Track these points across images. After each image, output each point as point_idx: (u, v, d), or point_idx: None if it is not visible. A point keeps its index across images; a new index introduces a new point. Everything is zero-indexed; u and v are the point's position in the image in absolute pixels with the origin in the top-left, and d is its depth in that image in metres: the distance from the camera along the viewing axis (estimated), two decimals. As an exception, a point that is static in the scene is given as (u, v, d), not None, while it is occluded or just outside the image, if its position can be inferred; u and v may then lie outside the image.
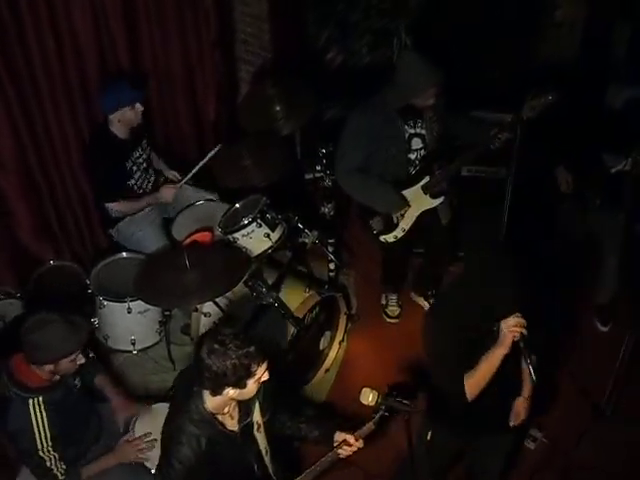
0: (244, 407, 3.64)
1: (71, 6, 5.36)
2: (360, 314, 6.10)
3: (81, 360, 4.06)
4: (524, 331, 3.61)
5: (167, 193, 5.78)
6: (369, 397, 3.62)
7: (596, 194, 5.45)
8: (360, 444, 3.75)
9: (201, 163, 5.75)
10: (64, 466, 4.09)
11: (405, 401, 3.68)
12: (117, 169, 5.56)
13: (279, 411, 3.92)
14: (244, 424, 3.63)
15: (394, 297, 6.19)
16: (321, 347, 5.66)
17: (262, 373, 3.40)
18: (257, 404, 3.66)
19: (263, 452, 3.80)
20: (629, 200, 5.28)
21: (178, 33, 6.22)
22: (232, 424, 3.60)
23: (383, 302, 6.29)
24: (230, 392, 3.37)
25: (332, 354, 5.77)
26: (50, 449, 4.01)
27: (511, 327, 3.60)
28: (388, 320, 6.22)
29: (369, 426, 3.72)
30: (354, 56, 6.83)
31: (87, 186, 5.97)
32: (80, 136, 5.80)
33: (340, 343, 5.77)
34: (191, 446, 3.44)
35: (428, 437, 4.20)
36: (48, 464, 4.04)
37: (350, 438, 3.72)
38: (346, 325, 5.75)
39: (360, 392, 3.66)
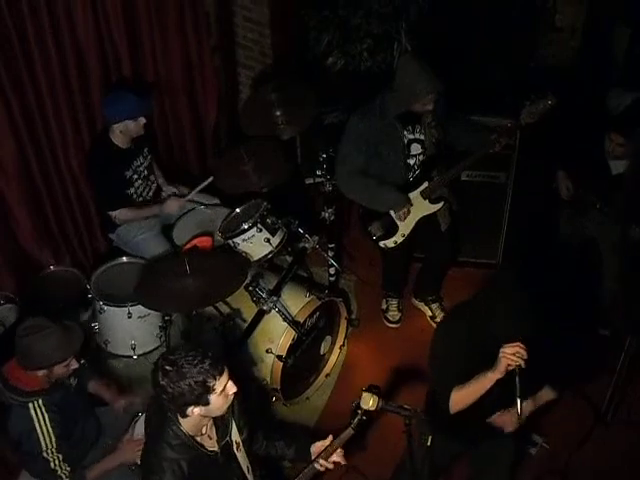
0: (221, 426, 3.60)
1: (73, 13, 5.36)
2: (360, 319, 6.10)
3: (74, 365, 4.05)
4: (522, 363, 3.60)
5: (172, 206, 5.77)
6: (370, 402, 3.61)
7: (598, 198, 5.44)
8: (339, 455, 3.75)
9: (199, 187, 5.78)
10: (68, 467, 4.09)
11: (406, 406, 3.67)
12: (117, 177, 5.55)
13: (254, 430, 3.88)
14: (223, 444, 3.59)
15: (394, 302, 6.18)
16: (322, 352, 5.66)
17: (224, 385, 3.32)
18: (233, 423, 3.63)
19: (245, 470, 3.76)
20: (624, 202, 5.29)
21: (179, 38, 6.23)
22: (211, 444, 3.55)
23: (383, 307, 6.28)
24: (195, 410, 3.29)
25: (333, 359, 5.77)
26: (54, 450, 4.01)
27: (508, 354, 3.60)
28: (389, 325, 6.22)
29: (348, 432, 3.70)
30: (354, 61, 6.81)
31: (87, 191, 5.97)
32: (81, 142, 5.80)
33: (341, 348, 5.77)
34: (174, 472, 3.37)
35: (429, 442, 4.19)
36: (52, 465, 4.04)
37: (327, 443, 3.72)
38: (347, 330, 5.75)
39: (360, 397, 3.65)
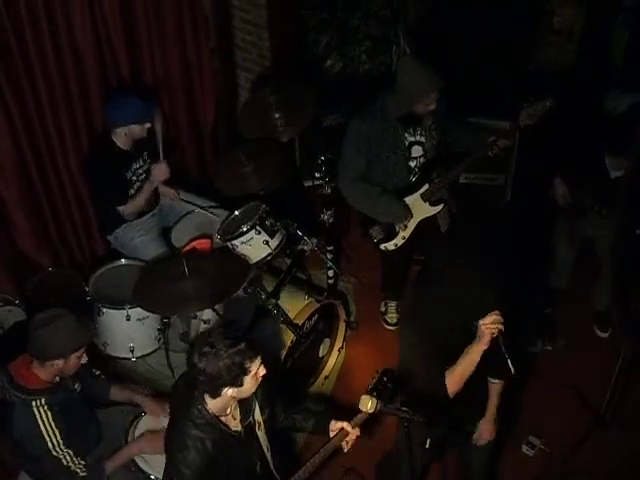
0: (245, 407, 3.67)
1: (71, 15, 5.36)
2: (359, 321, 6.10)
3: (85, 359, 4.07)
4: (501, 327, 3.69)
5: (159, 171, 5.72)
6: (368, 404, 3.61)
7: (596, 200, 5.44)
8: (357, 432, 3.75)
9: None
10: (82, 462, 4.10)
11: (404, 408, 3.68)
12: (117, 179, 5.55)
13: (276, 402, 3.94)
14: (246, 424, 3.66)
15: (393, 304, 6.19)
16: (320, 354, 5.66)
17: (257, 368, 3.44)
18: (256, 403, 3.69)
19: (264, 449, 3.83)
20: (624, 204, 5.29)
21: (177, 40, 6.23)
22: (235, 425, 3.63)
23: (382, 309, 6.29)
24: (229, 392, 3.40)
25: (331, 361, 5.77)
26: (63, 447, 4.01)
27: (489, 325, 3.68)
28: (387, 327, 6.22)
29: (363, 414, 3.72)
30: (353, 63, 6.83)
31: (86, 193, 5.96)
32: (79, 143, 5.80)
33: (339, 350, 5.78)
34: (197, 450, 3.47)
35: (427, 444, 4.19)
36: (64, 462, 4.04)
37: (347, 426, 3.73)
38: (345, 332, 5.75)
39: (359, 399, 3.65)
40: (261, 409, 3.75)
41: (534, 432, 5.38)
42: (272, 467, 3.92)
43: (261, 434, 3.78)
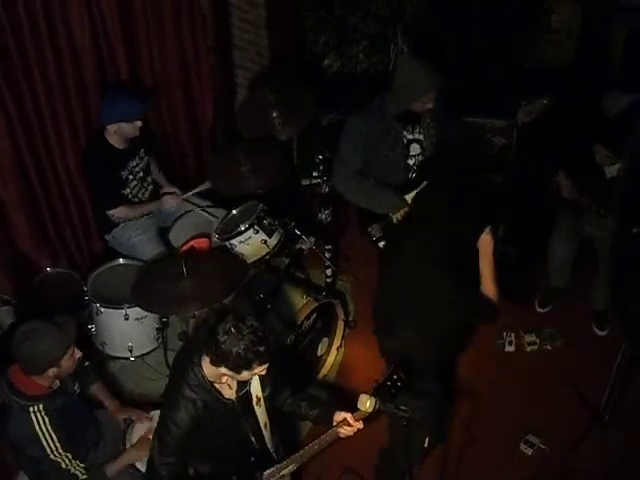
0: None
1: (68, 13, 5.35)
2: (358, 320, 6.09)
3: (79, 354, 4.07)
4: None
5: (170, 202, 5.78)
6: (367, 403, 3.60)
7: (593, 199, 5.44)
8: (360, 425, 3.73)
9: (199, 188, 5.79)
10: (82, 465, 4.10)
11: (402, 407, 3.67)
12: (112, 178, 5.54)
13: (281, 388, 3.96)
14: (241, 394, 3.68)
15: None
16: (319, 353, 5.66)
17: (260, 370, 3.48)
18: (257, 378, 3.70)
19: (262, 426, 3.85)
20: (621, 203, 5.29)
21: (175, 39, 6.22)
22: (229, 394, 3.66)
23: (381, 308, 6.28)
24: (223, 370, 3.44)
25: (330, 360, 5.77)
26: (61, 451, 4.01)
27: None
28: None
29: (372, 402, 3.70)
30: (351, 62, 6.83)
31: (84, 193, 5.96)
32: (78, 143, 5.79)
33: (338, 349, 5.77)
34: (187, 410, 3.53)
35: (426, 443, 4.19)
36: (64, 465, 4.04)
37: (350, 418, 3.71)
38: (344, 331, 5.75)
39: (358, 398, 3.65)
40: (262, 385, 3.77)
41: (533, 431, 5.37)
42: (270, 445, 3.94)
43: (260, 410, 3.81)
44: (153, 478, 3.69)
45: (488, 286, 4.30)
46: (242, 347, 3.32)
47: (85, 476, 4.12)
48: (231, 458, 3.85)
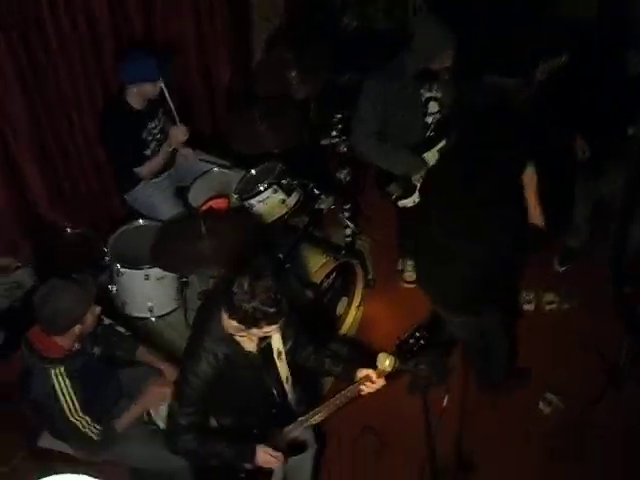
0: None
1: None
2: (377, 279, 6.11)
3: (98, 309, 4.07)
4: None
5: (177, 133, 5.67)
6: (386, 362, 3.63)
7: (613, 159, 5.40)
8: (381, 382, 3.75)
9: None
10: (98, 427, 4.12)
11: (422, 366, 3.68)
12: (132, 139, 5.53)
13: (303, 342, 4.00)
14: (262, 347, 3.71)
15: (411, 262, 6.18)
16: (338, 312, 5.67)
17: (269, 331, 3.50)
18: (278, 331, 3.70)
19: (283, 379, 3.89)
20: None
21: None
22: (250, 346, 3.69)
23: (400, 267, 6.30)
24: (234, 323, 3.47)
25: (349, 319, 5.79)
26: (80, 414, 4.02)
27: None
28: (405, 285, 6.24)
29: (392, 361, 3.72)
30: (369, 21, 6.77)
31: (101, 153, 5.96)
32: (94, 103, 5.79)
33: (357, 308, 5.79)
34: (208, 361, 3.58)
35: (445, 402, 4.21)
36: (81, 428, 4.06)
37: (372, 375, 3.73)
38: (363, 290, 5.76)
39: (377, 357, 3.66)
40: (283, 338, 3.80)
41: (551, 389, 5.39)
42: (291, 399, 3.99)
43: (281, 364, 3.84)
44: (174, 427, 3.74)
45: (536, 213, 4.56)
46: (252, 305, 3.34)
47: (99, 438, 4.15)
48: (253, 411, 3.89)
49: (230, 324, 3.51)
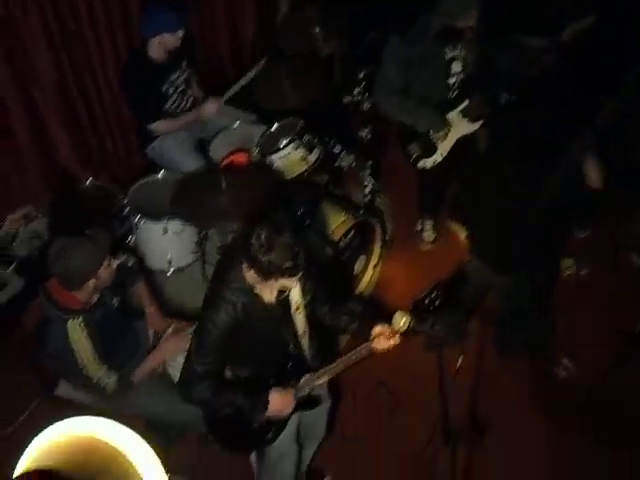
0: None
1: None
2: (395, 239, 6.10)
3: (115, 263, 4.10)
4: None
5: (211, 107, 5.74)
6: (401, 321, 3.62)
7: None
8: (396, 340, 3.75)
9: (243, 81, 5.70)
10: (114, 377, 4.16)
11: (437, 326, 3.68)
12: (152, 92, 5.53)
13: (321, 298, 4.00)
14: (281, 299, 3.72)
15: (430, 223, 6.17)
16: (355, 271, 5.68)
17: (285, 283, 3.52)
18: (297, 285, 3.73)
19: (300, 332, 3.91)
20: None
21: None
22: (269, 298, 3.69)
23: (419, 227, 6.28)
24: (252, 274, 3.48)
25: (366, 278, 5.79)
26: (96, 364, 4.07)
27: None
28: (423, 246, 6.23)
29: (407, 320, 3.73)
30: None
31: (124, 107, 5.97)
32: (118, 58, 5.80)
33: (374, 267, 5.79)
34: (227, 311, 3.58)
35: (459, 363, 4.22)
36: (97, 378, 4.10)
37: (387, 332, 3.73)
38: (381, 250, 5.75)
39: (393, 316, 3.67)
40: (303, 292, 3.82)
41: (567, 354, 5.38)
42: (307, 353, 4.00)
43: (299, 317, 3.86)
44: (189, 375, 3.76)
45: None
46: (269, 258, 3.35)
47: (115, 387, 4.19)
48: (269, 364, 3.91)
49: (249, 275, 3.52)
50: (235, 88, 5.71)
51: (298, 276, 3.48)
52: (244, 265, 3.52)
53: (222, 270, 3.72)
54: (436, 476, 4.66)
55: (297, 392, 3.93)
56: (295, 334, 3.89)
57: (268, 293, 3.66)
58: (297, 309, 3.82)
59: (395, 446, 4.97)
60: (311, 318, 3.95)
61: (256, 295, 3.63)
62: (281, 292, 3.69)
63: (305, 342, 3.96)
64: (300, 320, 3.87)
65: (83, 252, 3.91)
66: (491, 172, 4.43)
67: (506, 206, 4.38)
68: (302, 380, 3.93)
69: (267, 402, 3.80)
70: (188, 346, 3.87)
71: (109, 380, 4.14)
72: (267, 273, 3.41)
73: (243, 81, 5.63)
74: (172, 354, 4.41)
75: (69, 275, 3.91)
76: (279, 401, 3.84)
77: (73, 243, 3.91)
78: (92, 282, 3.98)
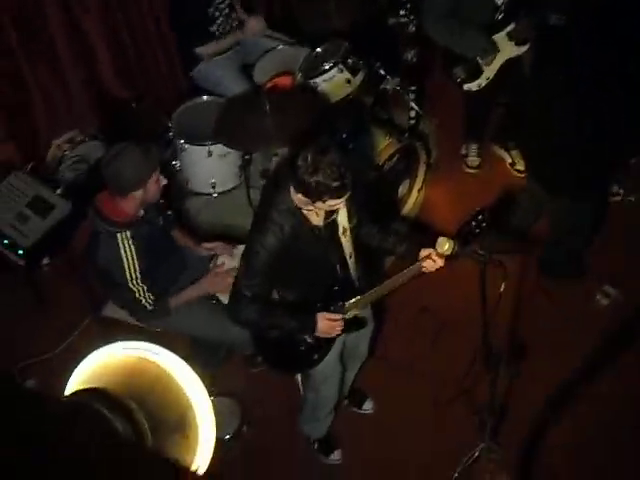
0: None
1: None
2: (439, 163, 6.07)
3: (164, 181, 4.15)
4: None
5: (254, 25, 5.68)
6: (445, 246, 3.62)
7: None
8: (442, 262, 3.74)
9: None
10: (152, 297, 4.23)
11: (480, 251, 3.67)
12: (199, 15, 5.49)
13: (368, 220, 4.01)
14: (327, 222, 3.73)
15: (475, 147, 6.13)
16: (400, 194, 5.66)
17: (335, 204, 3.49)
18: (344, 208, 3.74)
19: (347, 255, 3.91)
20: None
21: None
22: (316, 220, 3.70)
23: (463, 152, 6.24)
24: (300, 197, 3.49)
25: (410, 202, 5.78)
26: (139, 281, 4.13)
27: None
28: (467, 170, 6.20)
29: (451, 245, 3.72)
30: None
31: (168, 30, 5.94)
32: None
33: (418, 191, 5.77)
34: (275, 234, 3.60)
35: (502, 288, 4.21)
36: (137, 295, 4.18)
37: (433, 254, 3.71)
38: (425, 174, 5.73)
39: (436, 241, 3.67)
40: (350, 215, 3.82)
41: (609, 281, 5.36)
42: (353, 275, 4.01)
43: (345, 240, 3.86)
44: (237, 298, 3.79)
45: None
46: (315, 179, 3.34)
47: (152, 307, 4.27)
48: (316, 287, 3.93)
49: (297, 197, 3.52)
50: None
51: (346, 196, 3.47)
52: (291, 188, 3.52)
53: (269, 194, 3.72)
54: (476, 402, 4.71)
55: (345, 314, 3.97)
56: (342, 257, 3.90)
57: (315, 216, 3.67)
58: (344, 232, 3.83)
59: (436, 370, 5.00)
60: (357, 241, 3.95)
61: (304, 217, 3.64)
62: (329, 215, 3.70)
63: (352, 264, 3.97)
64: (347, 243, 3.87)
65: (134, 157, 3.98)
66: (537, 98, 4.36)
67: (555, 129, 4.33)
68: (350, 302, 3.96)
69: (315, 324, 3.83)
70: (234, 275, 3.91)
71: (149, 300, 4.23)
72: (315, 194, 3.40)
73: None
74: (213, 291, 4.49)
75: (120, 179, 3.97)
76: (327, 323, 3.87)
77: (127, 148, 3.98)
78: (140, 193, 4.04)
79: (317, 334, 3.89)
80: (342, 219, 3.79)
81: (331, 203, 3.47)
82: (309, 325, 3.85)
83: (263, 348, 4.28)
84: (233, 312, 3.86)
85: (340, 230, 3.81)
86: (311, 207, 3.56)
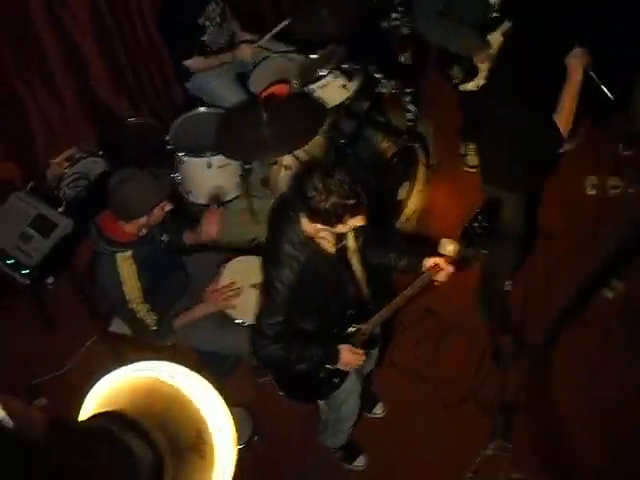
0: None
1: None
2: (439, 164, 6.07)
3: (169, 207, 4.13)
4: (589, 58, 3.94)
5: (245, 52, 5.69)
6: (448, 247, 3.63)
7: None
8: (451, 268, 3.73)
9: (275, 30, 5.64)
10: (155, 317, 4.23)
11: (484, 251, 3.67)
12: (189, 25, 5.49)
13: (369, 239, 3.99)
14: (339, 247, 3.74)
15: (473, 146, 6.13)
16: (399, 197, 5.66)
17: (355, 222, 3.48)
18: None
19: (358, 274, 3.90)
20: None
21: None
22: (329, 247, 3.70)
23: (462, 151, 6.25)
24: (320, 226, 3.48)
25: (411, 204, 5.77)
26: (141, 301, 4.13)
27: (579, 56, 3.95)
28: (467, 169, 6.20)
29: (454, 245, 3.72)
30: None
31: (162, 41, 5.95)
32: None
33: (419, 193, 5.77)
34: (291, 267, 3.58)
35: (508, 287, 4.22)
36: (139, 315, 4.17)
37: (440, 261, 3.71)
38: (425, 175, 5.73)
39: (439, 242, 3.67)
40: (356, 236, 3.80)
41: (615, 274, 5.35)
42: (366, 296, 4.00)
43: (355, 261, 3.86)
44: (260, 338, 3.75)
45: (562, 116, 4.11)
46: (332, 201, 3.33)
47: (155, 327, 4.26)
48: (332, 313, 3.93)
49: (313, 227, 3.52)
50: (268, 35, 5.63)
51: (365, 212, 3.46)
52: (302, 220, 3.52)
53: (277, 225, 3.70)
54: (486, 401, 4.72)
55: (361, 336, 3.96)
56: (354, 278, 3.90)
57: (327, 243, 3.67)
58: (353, 253, 3.82)
59: (444, 373, 5.01)
60: (365, 260, 3.95)
61: (317, 246, 3.63)
62: (339, 240, 3.70)
63: (363, 285, 3.96)
64: (357, 264, 3.87)
65: (145, 186, 3.96)
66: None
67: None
68: (366, 325, 3.95)
69: (338, 356, 3.84)
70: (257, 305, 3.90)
71: (151, 320, 4.23)
72: (335, 217, 3.39)
73: (274, 30, 5.56)
74: (215, 308, 4.47)
75: (126, 205, 3.96)
76: (350, 356, 3.88)
77: (140, 175, 3.96)
78: (144, 219, 4.04)
79: (338, 366, 3.91)
80: (350, 240, 3.79)
81: (352, 222, 3.47)
82: (332, 355, 3.86)
83: (284, 383, 4.27)
84: (256, 347, 3.84)
85: (350, 252, 3.81)
86: (328, 233, 3.58)
